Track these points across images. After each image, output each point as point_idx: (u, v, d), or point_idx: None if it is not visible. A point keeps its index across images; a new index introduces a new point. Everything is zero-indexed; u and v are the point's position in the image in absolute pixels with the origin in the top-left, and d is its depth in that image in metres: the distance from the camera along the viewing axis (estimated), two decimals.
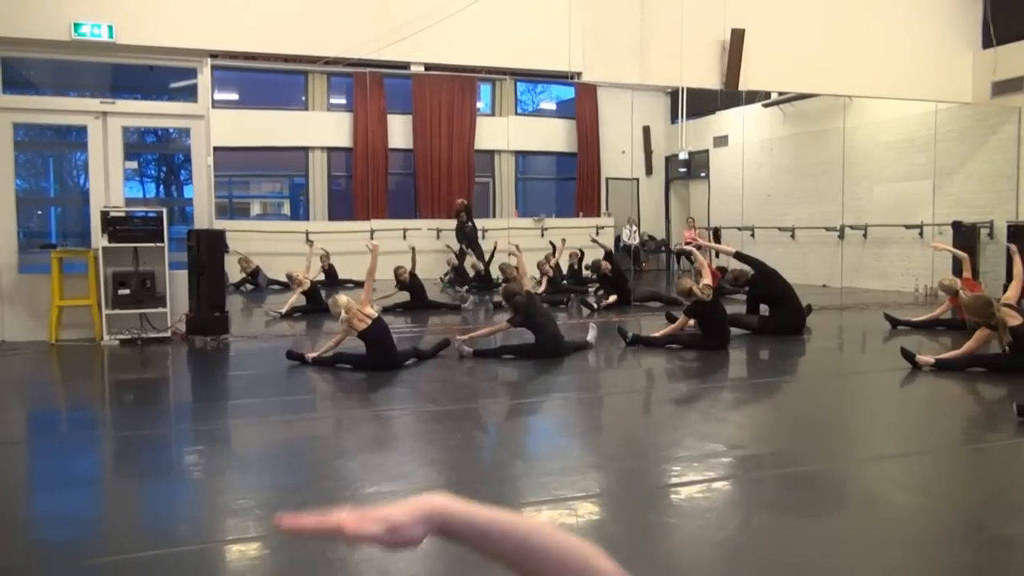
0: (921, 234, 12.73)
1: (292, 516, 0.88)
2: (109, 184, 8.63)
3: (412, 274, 11.37)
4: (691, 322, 7.90)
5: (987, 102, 12.11)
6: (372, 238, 11.26)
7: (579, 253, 13.89)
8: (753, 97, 15.19)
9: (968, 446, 4.84)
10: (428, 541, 0.89)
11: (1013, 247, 8.35)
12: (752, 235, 15.81)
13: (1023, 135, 11.81)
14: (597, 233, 15.11)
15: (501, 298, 8.54)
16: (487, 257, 13.92)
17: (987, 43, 12.06)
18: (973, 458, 4.54)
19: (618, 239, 17.33)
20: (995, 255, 11.40)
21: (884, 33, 11.31)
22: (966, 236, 11.55)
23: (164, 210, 8.59)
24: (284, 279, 12.24)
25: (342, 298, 6.91)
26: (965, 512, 3.62)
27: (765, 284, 8.91)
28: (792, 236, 15.15)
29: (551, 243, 13.84)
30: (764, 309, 8.97)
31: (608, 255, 11.92)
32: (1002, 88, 11.90)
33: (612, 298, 11.16)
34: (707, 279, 8.07)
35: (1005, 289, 7.58)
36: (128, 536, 3.37)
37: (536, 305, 7.65)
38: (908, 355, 6.68)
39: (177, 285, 8.62)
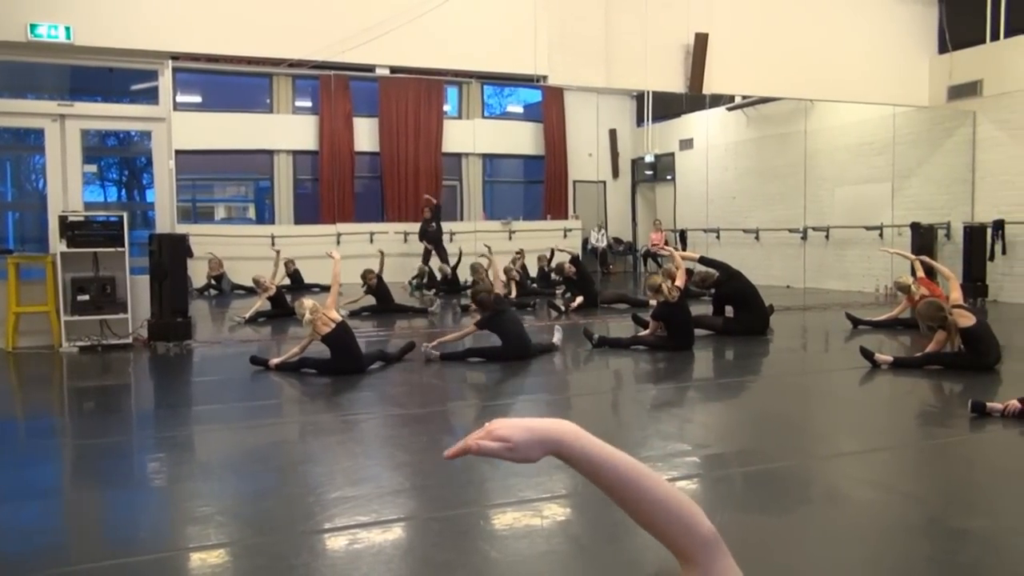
0: (881, 235, 12.98)
1: (450, 450, 1.02)
2: (68, 188, 8.47)
3: (379, 278, 11.31)
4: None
5: (943, 106, 12.42)
6: (339, 242, 11.18)
7: (550, 253, 13.91)
8: (717, 101, 15.37)
9: (926, 442, 4.94)
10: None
11: (924, 258, 8.91)
12: (717, 237, 15.99)
13: (977, 138, 12.11)
14: (564, 236, 15.15)
15: (470, 299, 8.54)
16: (454, 261, 13.88)
17: (943, 48, 12.38)
18: (931, 454, 4.64)
19: (586, 242, 17.42)
20: (952, 256, 11.67)
21: (844, 39, 11.55)
22: (924, 237, 11.81)
23: (125, 214, 8.45)
24: (249, 284, 12.10)
25: (308, 301, 6.85)
26: (924, 506, 3.70)
27: (730, 286, 9.02)
28: (756, 238, 15.35)
29: (519, 251, 13.85)
30: (729, 310, 9.08)
31: (574, 259, 12.00)
32: (957, 92, 12.21)
33: (579, 300, 11.22)
34: (680, 281, 8.14)
35: None
36: (88, 546, 3.31)
37: (504, 307, 7.65)
38: (867, 354, 6.83)
39: (138, 290, 8.48)
